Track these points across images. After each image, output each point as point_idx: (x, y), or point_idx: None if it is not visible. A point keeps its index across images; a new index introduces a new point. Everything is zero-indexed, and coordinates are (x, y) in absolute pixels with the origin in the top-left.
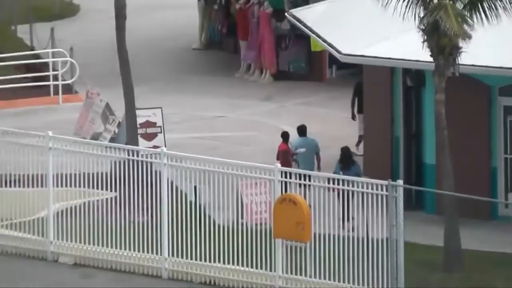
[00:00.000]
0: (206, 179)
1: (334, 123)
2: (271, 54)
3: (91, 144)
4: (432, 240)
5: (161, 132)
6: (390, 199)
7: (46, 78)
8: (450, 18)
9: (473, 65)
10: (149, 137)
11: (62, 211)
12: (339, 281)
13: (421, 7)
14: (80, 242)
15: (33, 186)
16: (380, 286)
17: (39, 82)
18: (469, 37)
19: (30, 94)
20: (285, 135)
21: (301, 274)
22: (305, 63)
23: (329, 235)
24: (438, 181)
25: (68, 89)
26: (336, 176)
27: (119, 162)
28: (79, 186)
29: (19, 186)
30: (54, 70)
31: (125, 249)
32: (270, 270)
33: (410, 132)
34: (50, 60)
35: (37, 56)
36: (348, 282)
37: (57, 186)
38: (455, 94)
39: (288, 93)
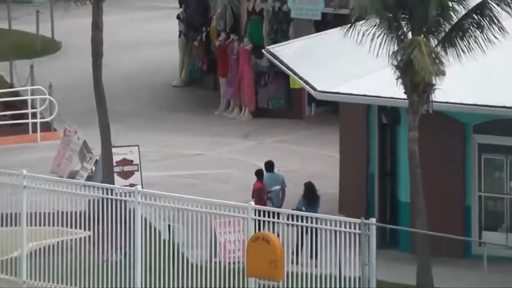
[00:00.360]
0: (180, 218)
1: (312, 160)
2: (250, 91)
3: (65, 182)
4: (405, 279)
5: (137, 170)
6: (363, 237)
7: (24, 116)
8: (424, 57)
9: (447, 102)
10: (126, 175)
11: (36, 251)
12: None
13: (395, 44)
14: (53, 282)
15: (7, 225)
16: None
17: (17, 120)
18: (443, 74)
19: (8, 132)
20: (259, 173)
21: None
22: (284, 100)
23: (301, 273)
24: (412, 219)
25: (47, 127)
26: (310, 214)
27: (94, 201)
28: (54, 225)
29: None
30: (33, 107)
31: None
32: None
33: (385, 169)
34: (28, 97)
35: (15, 94)
36: None
37: (32, 225)
38: (430, 131)
39: (267, 131)
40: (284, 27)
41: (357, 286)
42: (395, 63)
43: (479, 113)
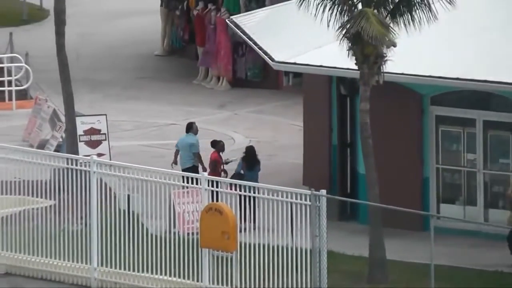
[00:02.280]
0: (135, 188)
1: (284, 131)
2: (227, 61)
3: (29, 152)
4: (359, 251)
5: (105, 140)
6: (313, 209)
7: (1, 84)
8: (372, 26)
9: (401, 74)
10: (93, 144)
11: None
12: None
13: (345, 16)
14: (12, 251)
15: None
16: None
17: None
18: (394, 45)
19: None
20: (214, 144)
21: (227, 285)
22: (261, 70)
23: (254, 244)
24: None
25: (23, 95)
26: (263, 185)
27: (56, 171)
28: (18, 194)
29: None
30: (11, 76)
31: (55, 258)
32: (197, 281)
33: (345, 141)
34: (5, 65)
35: None
36: None
37: None
38: (387, 103)
39: (243, 101)
40: None
41: (308, 257)
42: (347, 35)
43: (435, 85)
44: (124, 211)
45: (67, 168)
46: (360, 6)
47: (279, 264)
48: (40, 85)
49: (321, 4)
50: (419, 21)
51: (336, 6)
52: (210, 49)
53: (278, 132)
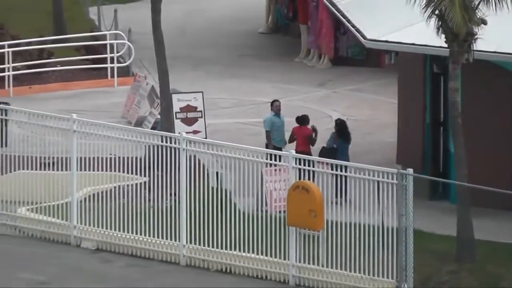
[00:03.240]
0: (227, 165)
1: (382, 110)
2: (329, 39)
3: (115, 128)
4: (447, 231)
5: (201, 117)
6: (399, 188)
7: (105, 61)
8: (454, 7)
9: (492, 52)
10: (189, 121)
11: (89, 196)
12: (350, 270)
13: None
14: (103, 227)
15: (61, 170)
16: (391, 276)
17: (97, 65)
18: (484, 22)
19: (89, 76)
20: (302, 120)
21: (314, 263)
22: (363, 48)
23: (341, 223)
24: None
25: (125, 72)
26: (350, 164)
27: (148, 148)
28: (112, 170)
29: (48, 169)
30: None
31: (145, 235)
32: (284, 259)
33: (438, 120)
34: (107, 42)
35: (96, 38)
36: (359, 272)
37: (84, 169)
38: (481, 82)
39: (343, 79)
40: None
41: (395, 236)
42: (435, 12)
43: None
44: (214, 188)
45: (157, 145)
46: None
47: (365, 243)
48: (143, 62)
49: None
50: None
51: None
52: (313, 28)
53: (376, 111)
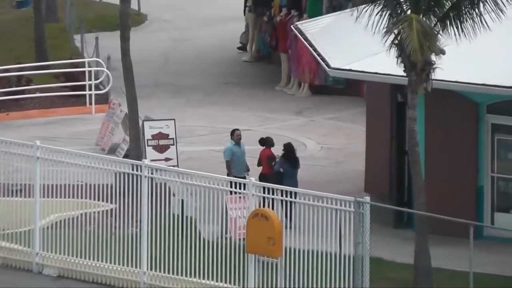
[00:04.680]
0: (194, 193)
1: (358, 138)
2: (309, 68)
3: (78, 155)
4: (410, 259)
5: (173, 144)
6: (356, 216)
7: (84, 88)
8: (412, 33)
9: (450, 81)
10: (161, 149)
11: (54, 223)
12: None
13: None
14: (65, 254)
15: (24, 196)
16: None
17: (76, 92)
18: (443, 52)
19: (68, 103)
20: (264, 141)
21: None
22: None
23: (299, 250)
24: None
25: (104, 99)
26: (308, 191)
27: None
28: (74, 197)
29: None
30: (95, 79)
31: (107, 262)
32: (244, 286)
33: (403, 148)
34: (86, 69)
35: (76, 66)
36: None
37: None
38: (443, 111)
39: (322, 107)
40: (343, 3)
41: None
42: (395, 41)
43: (491, 93)
44: (177, 215)
45: (121, 173)
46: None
47: (323, 271)
48: (123, 89)
49: (371, 11)
50: (473, 28)
51: (385, 12)
52: (292, 56)
53: (351, 139)
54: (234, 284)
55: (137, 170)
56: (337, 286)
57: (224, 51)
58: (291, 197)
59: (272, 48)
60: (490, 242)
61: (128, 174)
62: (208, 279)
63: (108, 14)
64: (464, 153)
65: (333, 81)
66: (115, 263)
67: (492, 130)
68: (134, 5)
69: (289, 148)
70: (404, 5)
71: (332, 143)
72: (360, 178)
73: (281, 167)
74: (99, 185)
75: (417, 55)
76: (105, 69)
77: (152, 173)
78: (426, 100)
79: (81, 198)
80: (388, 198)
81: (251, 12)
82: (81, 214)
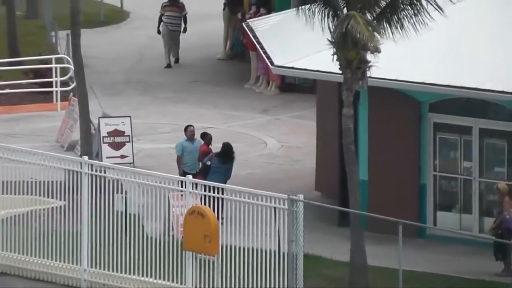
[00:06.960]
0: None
1: None
2: None
3: (19, 151)
4: (348, 257)
5: (129, 142)
6: (289, 213)
7: (52, 84)
8: (360, 25)
9: (387, 79)
10: (117, 146)
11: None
12: None
13: (333, 21)
14: (8, 251)
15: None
16: None
17: (43, 88)
18: (378, 50)
19: (35, 100)
20: (203, 136)
21: (210, 287)
22: None
23: (235, 247)
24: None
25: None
26: (243, 189)
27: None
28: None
29: None
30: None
31: (48, 258)
32: (181, 283)
33: None
34: (53, 66)
35: (45, 62)
36: None
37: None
38: (386, 110)
39: (288, 106)
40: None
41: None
42: (331, 39)
43: (432, 92)
44: (120, 212)
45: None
46: (345, 10)
47: (259, 268)
48: (93, 86)
49: (310, 10)
50: (412, 26)
51: (323, 10)
52: (260, 54)
53: (313, 138)
54: (173, 281)
55: (77, 167)
56: (274, 283)
57: (198, 48)
58: (222, 194)
59: (245, 46)
60: (432, 241)
61: (71, 171)
62: (147, 276)
63: (88, 12)
64: (406, 152)
65: (301, 79)
66: (56, 260)
67: (434, 129)
68: (116, 2)
69: (226, 148)
70: (341, 3)
71: (293, 142)
72: (313, 176)
73: (209, 160)
74: (49, 182)
75: (369, 38)
76: (70, 66)
77: (92, 170)
78: (369, 98)
79: (32, 195)
80: (338, 196)
81: (225, 10)
82: (30, 211)
